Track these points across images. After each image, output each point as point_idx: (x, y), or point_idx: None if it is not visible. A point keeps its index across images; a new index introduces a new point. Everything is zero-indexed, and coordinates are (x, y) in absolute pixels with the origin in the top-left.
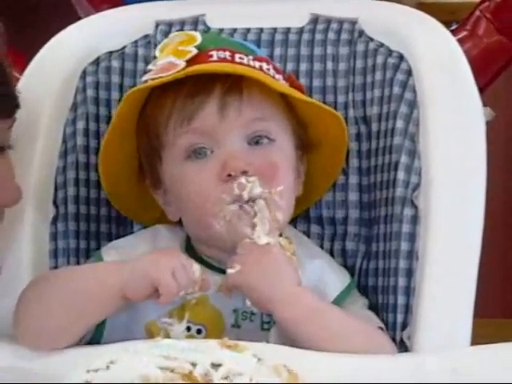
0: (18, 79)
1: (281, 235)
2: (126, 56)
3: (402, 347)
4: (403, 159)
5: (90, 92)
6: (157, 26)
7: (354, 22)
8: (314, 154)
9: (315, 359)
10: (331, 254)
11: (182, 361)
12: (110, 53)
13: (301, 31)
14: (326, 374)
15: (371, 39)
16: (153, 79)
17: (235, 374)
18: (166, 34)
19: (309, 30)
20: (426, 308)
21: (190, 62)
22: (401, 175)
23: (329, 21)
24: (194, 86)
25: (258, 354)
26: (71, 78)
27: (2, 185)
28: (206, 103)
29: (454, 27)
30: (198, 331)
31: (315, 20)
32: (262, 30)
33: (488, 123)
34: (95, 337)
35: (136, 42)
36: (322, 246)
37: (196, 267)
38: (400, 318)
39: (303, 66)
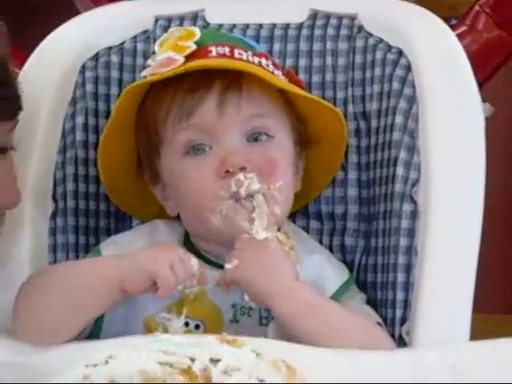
0: (17, 74)
1: (279, 230)
2: (125, 51)
3: (401, 343)
4: (402, 155)
5: (89, 87)
6: (156, 21)
7: (353, 18)
8: (313, 150)
9: (313, 354)
10: (330, 249)
11: (181, 356)
12: (109, 48)
13: (300, 27)
14: (325, 369)
15: (370, 35)
16: (152, 74)
17: (234, 369)
18: (165, 29)
19: (308, 25)
20: (424, 303)
21: (188, 58)
22: (400, 171)
23: (328, 16)
24: (193, 81)
25: (256, 349)
26: (70, 72)
27: (3, 187)
28: (205, 99)
29: (453, 22)
30: (197, 326)
31: (314, 16)
32: (261, 25)
33: (487, 119)
34: (94, 332)
35: (135, 37)
36: (320, 242)
37: (194, 261)
38: (399, 313)
39: (302, 62)
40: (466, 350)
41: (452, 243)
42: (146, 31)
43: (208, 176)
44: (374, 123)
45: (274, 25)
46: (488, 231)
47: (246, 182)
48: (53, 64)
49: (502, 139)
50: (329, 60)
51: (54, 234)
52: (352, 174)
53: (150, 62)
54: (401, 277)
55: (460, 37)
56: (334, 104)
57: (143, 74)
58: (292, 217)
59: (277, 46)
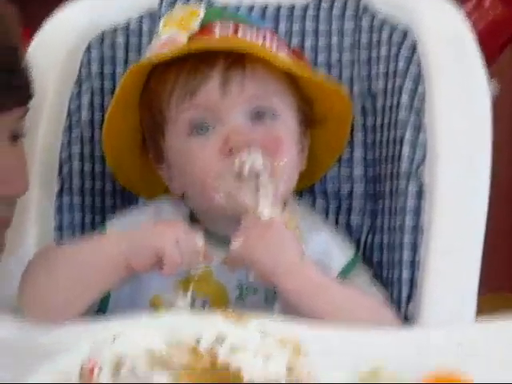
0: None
1: (284, 209)
2: (130, 32)
3: (407, 321)
4: (408, 134)
5: (94, 67)
6: (161, 0)
7: None
8: (319, 129)
9: (319, 331)
10: (336, 228)
11: (187, 334)
12: (115, 30)
13: (306, 7)
14: (330, 347)
15: (376, 15)
16: (156, 55)
17: (240, 348)
18: (171, 9)
19: (314, 6)
20: (431, 283)
21: (192, 37)
22: (406, 150)
23: None
24: (196, 61)
25: (262, 326)
26: (75, 51)
27: (14, 175)
28: (209, 79)
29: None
30: (203, 305)
31: None
32: (266, 6)
33: (493, 97)
34: (100, 310)
35: (141, 16)
36: (326, 220)
37: (199, 238)
38: (405, 292)
39: (308, 42)
40: (472, 329)
41: (458, 222)
42: (151, 10)
43: (212, 155)
44: (380, 102)
45: (280, 5)
46: (494, 210)
47: (250, 159)
48: (58, 44)
49: (508, 118)
50: (335, 39)
51: (61, 213)
52: (358, 153)
53: (154, 41)
54: (407, 255)
55: (467, 15)
56: (340, 82)
57: (147, 54)
58: (298, 195)
59: (282, 26)
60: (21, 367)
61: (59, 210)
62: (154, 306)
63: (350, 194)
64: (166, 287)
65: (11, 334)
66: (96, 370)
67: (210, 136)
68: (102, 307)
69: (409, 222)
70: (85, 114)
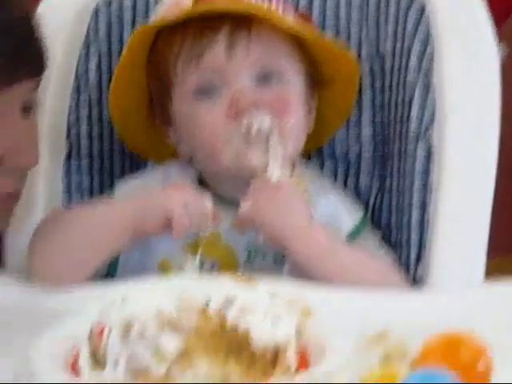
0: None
1: (293, 172)
2: None
3: (416, 284)
4: (417, 96)
5: (102, 29)
6: None
7: None
8: (326, 91)
9: (328, 293)
10: (345, 190)
11: (196, 297)
12: None
13: None
14: (338, 309)
15: None
16: (161, 18)
17: (249, 310)
18: None
19: None
20: (439, 246)
21: (198, 0)
22: (414, 111)
23: None
24: (202, 24)
25: (271, 288)
26: (83, 13)
27: (26, 148)
28: (214, 42)
29: None
30: (211, 267)
31: None
32: None
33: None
34: (109, 274)
35: None
36: (335, 183)
37: (208, 201)
38: (413, 254)
39: (317, 2)
40: (480, 292)
41: (466, 185)
42: None
43: (219, 117)
44: (388, 64)
45: None
46: (503, 172)
47: (258, 120)
48: (66, 6)
49: None
50: (342, 1)
51: (69, 175)
52: (366, 115)
53: (160, 4)
54: (415, 216)
55: None
56: (348, 44)
57: (152, 17)
58: (306, 158)
59: None
60: (30, 332)
61: (67, 173)
62: (163, 269)
63: (359, 156)
64: (175, 251)
65: (21, 298)
66: (105, 332)
67: (216, 99)
68: (110, 272)
69: (417, 182)
70: (92, 77)
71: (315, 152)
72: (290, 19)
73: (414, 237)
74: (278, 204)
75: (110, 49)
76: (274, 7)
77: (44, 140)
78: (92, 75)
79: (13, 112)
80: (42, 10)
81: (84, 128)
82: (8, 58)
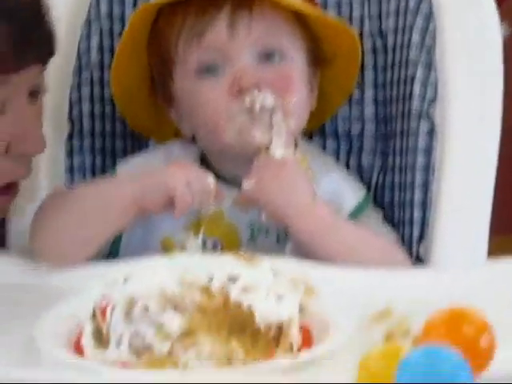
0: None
1: (296, 149)
2: None
3: (418, 262)
4: (419, 73)
5: (103, 8)
6: None
7: None
8: (328, 68)
9: (331, 272)
10: (347, 168)
11: (199, 275)
12: None
13: None
14: (341, 287)
15: None
16: None
17: (252, 287)
18: None
19: None
20: (441, 224)
21: None
22: (417, 89)
23: None
24: (203, 3)
25: (274, 266)
26: None
27: (32, 134)
28: (216, 20)
29: None
30: (214, 246)
31: None
32: None
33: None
34: (112, 253)
35: None
36: (337, 161)
37: (210, 179)
38: (416, 231)
39: None
40: (483, 270)
41: (469, 162)
42: None
43: (222, 95)
44: (390, 41)
45: None
46: (506, 149)
47: (260, 97)
48: None
49: None
50: None
51: (71, 155)
52: (369, 93)
53: None
54: (418, 194)
55: None
56: (350, 21)
57: None
58: (309, 136)
59: None
60: (34, 311)
61: (69, 152)
62: (165, 248)
63: (361, 134)
64: (177, 229)
65: (24, 277)
66: (108, 311)
67: (219, 78)
68: (113, 251)
69: (420, 160)
70: (94, 56)
71: (317, 131)
72: None
73: (417, 215)
74: (282, 182)
75: (111, 27)
76: None
77: (46, 120)
78: (94, 54)
79: (20, 97)
80: None
81: (86, 107)
82: (16, 42)
